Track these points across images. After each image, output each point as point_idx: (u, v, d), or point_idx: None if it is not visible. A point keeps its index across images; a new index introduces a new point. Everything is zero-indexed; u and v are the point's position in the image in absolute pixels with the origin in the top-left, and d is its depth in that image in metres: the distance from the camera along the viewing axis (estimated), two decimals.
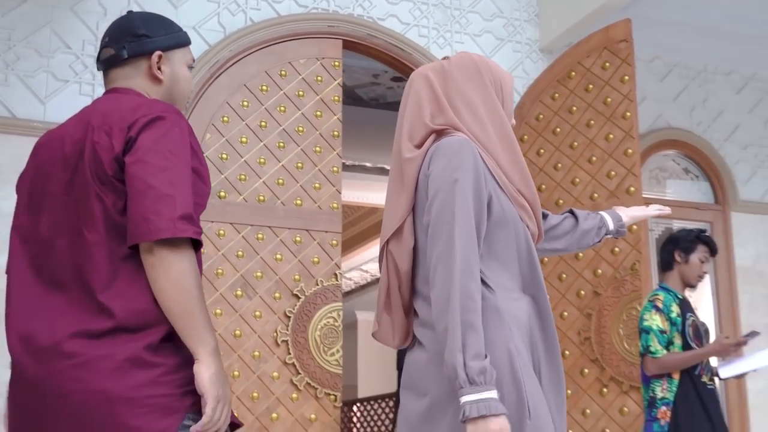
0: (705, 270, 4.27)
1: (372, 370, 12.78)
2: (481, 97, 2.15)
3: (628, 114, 4.94)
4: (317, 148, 4.85)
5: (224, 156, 4.63)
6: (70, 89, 4.55)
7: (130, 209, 1.84)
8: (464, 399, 1.82)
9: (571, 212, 2.49)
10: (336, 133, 4.92)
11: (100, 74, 4.56)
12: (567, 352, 4.81)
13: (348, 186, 7.20)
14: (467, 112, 2.12)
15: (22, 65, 4.51)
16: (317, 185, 4.80)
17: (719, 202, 6.22)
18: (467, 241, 1.92)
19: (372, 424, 9.51)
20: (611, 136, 4.98)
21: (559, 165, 5.09)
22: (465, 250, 1.91)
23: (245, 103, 4.75)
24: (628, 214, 2.59)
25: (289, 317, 4.58)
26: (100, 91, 4.55)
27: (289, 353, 4.54)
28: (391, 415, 8.87)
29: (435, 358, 1.98)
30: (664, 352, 4.03)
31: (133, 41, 2.07)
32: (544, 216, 2.37)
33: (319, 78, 4.95)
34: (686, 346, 4.07)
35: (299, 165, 4.79)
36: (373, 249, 11.31)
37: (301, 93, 4.89)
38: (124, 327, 1.84)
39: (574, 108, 5.15)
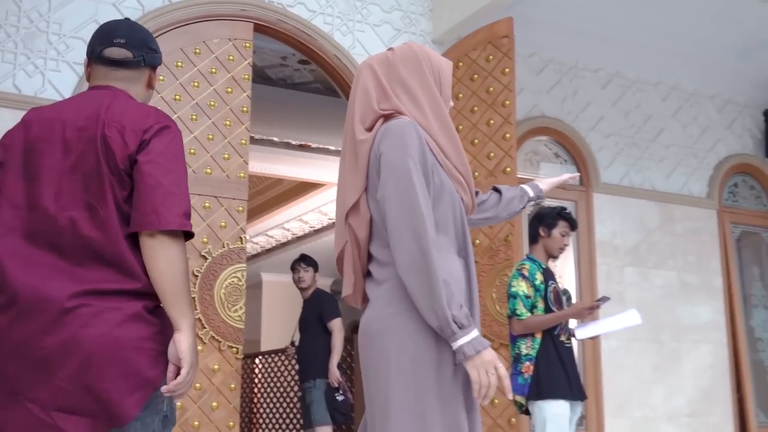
0: (566, 243, 4.34)
1: (274, 327, 12.76)
2: (420, 85, 2.20)
3: (508, 102, 5.04)
4: (227, 122, 4.82)
5: None
6: None
7: (141, 200, 1.97)
8: (459, 342, 1.95)
9: (495, 188, 2.62)
10: (245, 108, 4.89)
11: (22, 44, 4.42)
12: None
13: (255, 158, 7.16)
14: (408, 98, 2.18)
15: None
16: (226, 156, 4.77)
17: (583, 184, 6.38)
18: (427, 209, 2.00)
19: (272, 374, 9.57)
20: (492, 121, 5.09)
21: None
22: (427, 217, 1.99)
23: (161, 78, 4.67)
24: (545, 182, 2.77)
25: (197, 276, 4.56)
26: (22, 60, 4.42)
27: (196, 309, 4.53)
28: (290, 367, 8.93)
29: (382, 313, 2.07)
30: (529, 314, 4.12)
31: (150, 53, 2.23)
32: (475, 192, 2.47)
33: (231, 57, 4.91)
34: (548, 310, 4.17)
35: (210, 137, 4.75)
36: (277, 216, 11.26)
37: (213, 70, 4.84)
38: (137, 292, 1.97)
39: (460, 95, 5.24)
